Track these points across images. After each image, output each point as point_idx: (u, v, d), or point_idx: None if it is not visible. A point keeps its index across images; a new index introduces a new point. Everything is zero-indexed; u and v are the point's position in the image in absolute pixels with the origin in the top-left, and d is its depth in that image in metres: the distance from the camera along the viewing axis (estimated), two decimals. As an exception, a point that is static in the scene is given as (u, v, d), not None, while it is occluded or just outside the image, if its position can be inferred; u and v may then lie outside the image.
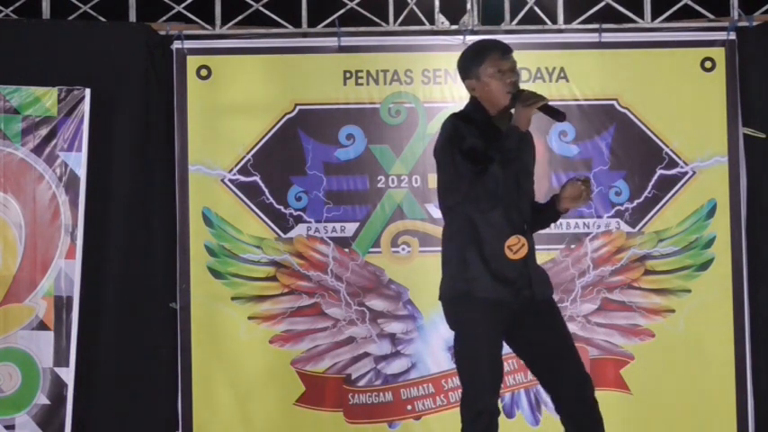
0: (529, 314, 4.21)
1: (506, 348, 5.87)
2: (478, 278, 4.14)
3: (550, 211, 4.37)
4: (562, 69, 5.96)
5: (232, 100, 5.99)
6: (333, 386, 5.95)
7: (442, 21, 6.06)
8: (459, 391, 5.92)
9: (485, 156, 4.05)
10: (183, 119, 5.96)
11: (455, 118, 4.21)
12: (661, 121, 5.95)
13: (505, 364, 5.87)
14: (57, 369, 5.61)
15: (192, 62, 5.98)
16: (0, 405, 5.62)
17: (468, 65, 4.27)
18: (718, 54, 5.92)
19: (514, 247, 4.16)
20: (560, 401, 4.25)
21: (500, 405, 4.31)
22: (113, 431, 5.86)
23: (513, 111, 4.14)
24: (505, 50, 4.27)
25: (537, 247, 5.83)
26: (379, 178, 5.98)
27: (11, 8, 6.07)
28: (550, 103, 4.14)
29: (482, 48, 4.32)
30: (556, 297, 5.88)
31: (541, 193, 5.90)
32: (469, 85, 4.27)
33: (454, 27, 6.05)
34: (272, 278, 5.98)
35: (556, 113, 4.16)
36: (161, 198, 5.97)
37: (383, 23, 6.06)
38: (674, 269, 5.91)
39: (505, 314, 4.17)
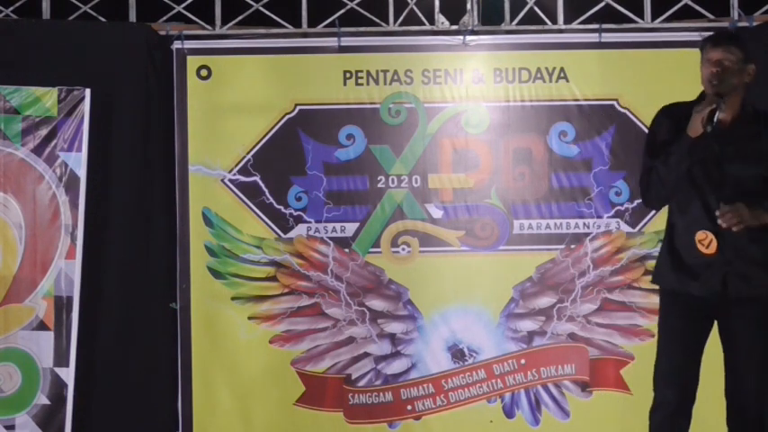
0: (725, 311, 4.18)
1: (506, 348, 5.97)
2: (664, 269, 4.16)
3: None
4: (562, 69, 5.95)
5: (232, 100, 5.99)
6: (333, 386, 5.95)
7: (442, 21, 6.06)
8: (459, 391, 6.05)
9: (660, 153, 4.07)
10: (182, 119, 5.96)
11: (662, 108, 4.29)
12: (661, 122, 5.95)
13: (505, 363, 6.00)
14: (57, 369, 5.61)
15: (192, 62, 5.98)
16: (0, 405, 5.62)
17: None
18: (719, 54, 5.92)
19: (704, 241, 4.13)
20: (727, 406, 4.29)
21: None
22: (113, 431, 5.86)
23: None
24: (718, 40, 4.21)
25: (537, 247, 5.92)
26: (379, 178, 5.98)
27: (11, 8, 6.07)
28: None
29: (708, 36, 4.36)
30: (554, 298, 5.93)
31: (541, 194, 5.97)
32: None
33: (454, 27, 6.05)
34: (272, 278, 5.98)
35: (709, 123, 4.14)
36: (161, 198, 5.96)
37: (383, 24, 6.06)
38: (674, 269, 5.90)
39: (698, 307, 4.13)
